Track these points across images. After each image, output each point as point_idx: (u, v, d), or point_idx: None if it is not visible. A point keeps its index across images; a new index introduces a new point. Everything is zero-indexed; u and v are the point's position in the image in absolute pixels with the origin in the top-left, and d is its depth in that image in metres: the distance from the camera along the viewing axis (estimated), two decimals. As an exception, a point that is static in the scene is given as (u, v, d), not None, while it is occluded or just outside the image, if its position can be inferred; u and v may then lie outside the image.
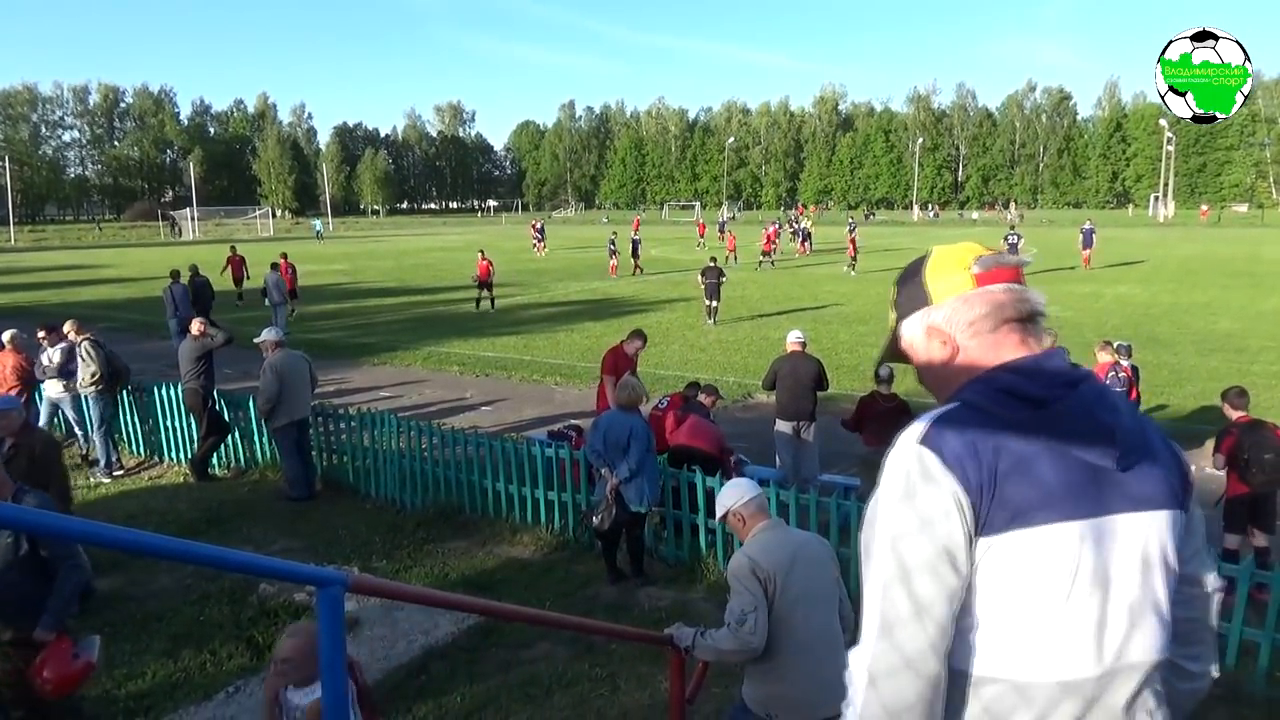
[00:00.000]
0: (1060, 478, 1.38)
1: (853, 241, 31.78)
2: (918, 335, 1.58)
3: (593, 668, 5.57)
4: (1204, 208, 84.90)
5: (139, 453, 10.62)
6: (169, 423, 10.26)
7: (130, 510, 8.67)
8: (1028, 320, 1.51)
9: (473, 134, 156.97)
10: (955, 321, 1.52)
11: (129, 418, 10.62)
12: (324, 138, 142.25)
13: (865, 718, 1.40)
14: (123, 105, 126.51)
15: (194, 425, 9.91)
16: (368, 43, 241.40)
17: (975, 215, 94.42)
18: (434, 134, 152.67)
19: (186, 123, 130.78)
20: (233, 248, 26.03)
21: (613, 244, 32.25)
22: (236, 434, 10.02)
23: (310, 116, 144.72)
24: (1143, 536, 1.44)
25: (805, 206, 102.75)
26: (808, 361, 8.92)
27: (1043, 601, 1.37)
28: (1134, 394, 9.38)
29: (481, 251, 23.69)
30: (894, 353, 1.67)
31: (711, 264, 20.53)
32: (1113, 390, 1.55)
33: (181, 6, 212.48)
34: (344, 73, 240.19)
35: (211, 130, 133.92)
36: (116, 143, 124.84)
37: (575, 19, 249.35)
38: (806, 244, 41.79)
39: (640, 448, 6.76)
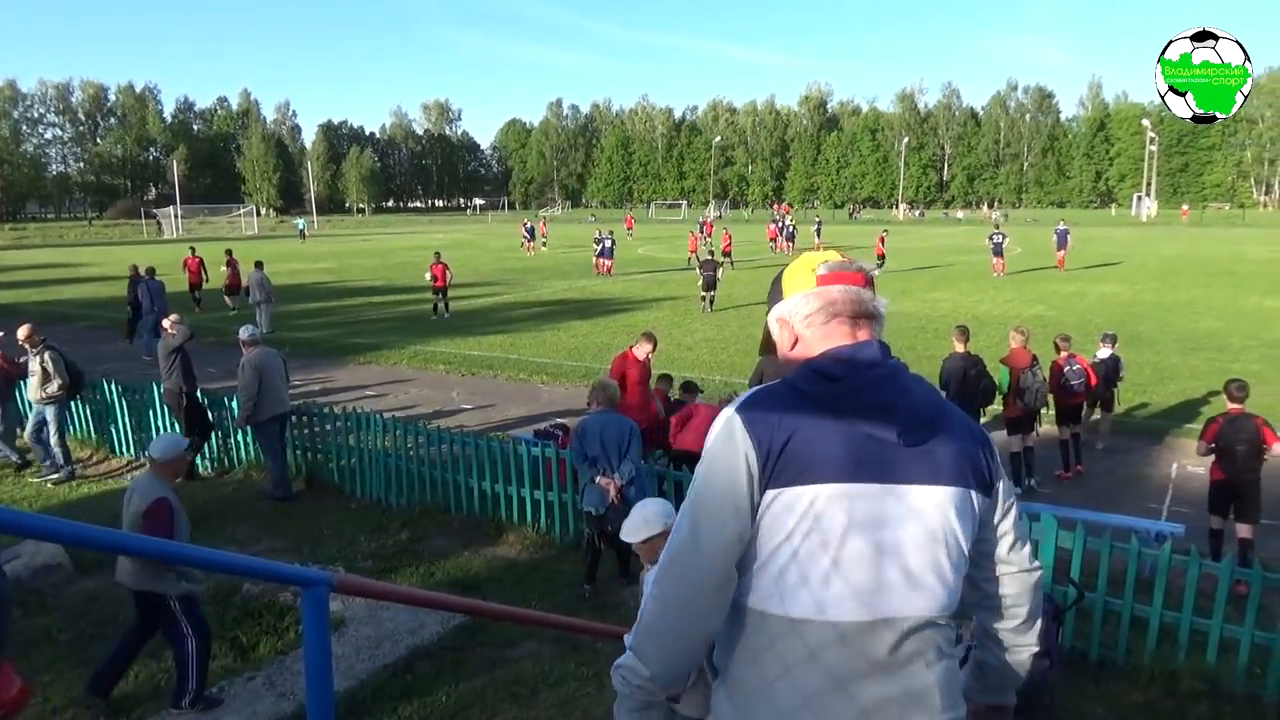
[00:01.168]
0: (841, 446, 1.60)
1: (882, 240, 31.83)
2: (774, 325, 1.84)
3: (579, 667, 5.57)
4: (1185, 207, 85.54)
5: (129, 453, 10.54)
6: (157, 422, 10.19)
7: (114, 510, 8.52)
8: (861, 317, 1.75)
9: (459, 132, 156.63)
10: (796, 313, 1.77)
11: (119, 417, 10.54)
12: (309, 135, 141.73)
13: (644, 617, 1.74)
14: (107, 103, 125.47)
15: (177, 425, 9.87)
16: (353, 40, 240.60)
17: (960, 215, 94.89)
18: (421, 132, 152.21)
19: (170, 120, 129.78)
20: (192, 249, 24.91)
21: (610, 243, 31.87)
22: (220, 433, 9.98)
23: (295, 114, 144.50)
24: (924, 507, 1.63)
25: (792, 206, 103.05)
26: (794, 361, 8.93)
27: (815, 550, 1.58)
28: (1093, 384, 9.48)
29: (437, 254, 22.53)
30: (767, 343, 1.90)
31: (709, 257, 23.02)
32: (909, 376, 1.73)
33: (166, 2, 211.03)
34: (329, 70, 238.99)
35: (195, 128, 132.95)
36: (99, 140, 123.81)
37: (563, 16, 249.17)
38: (790, 243, 42.02)
39: (639, 448, 6.70)
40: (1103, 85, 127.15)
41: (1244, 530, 6.98)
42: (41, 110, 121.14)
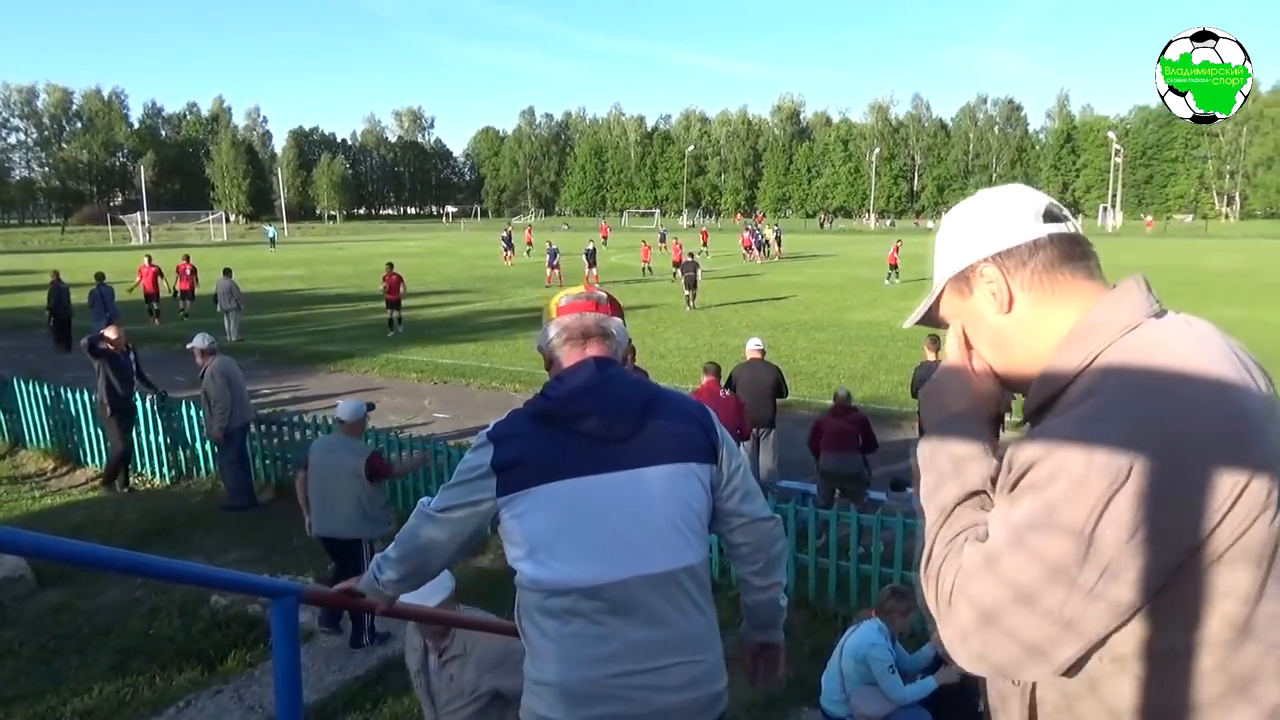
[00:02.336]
0: (561, 450, 2.02)
1: (896, 250, 31.34)
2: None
3: (552, 676, 5.54)
4: (1149, 218, 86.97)
5: (96, 464, 10.33)
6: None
7: (77, 521, 8.46)
8: (590, 337, 2.16)
9: (432, 139, 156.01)
10: (546, 338, 2.21)
11: (84, 427, 10.35)
12: (280, 142, 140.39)
13: (398, 544, 2.23)
14: (73, 107, 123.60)
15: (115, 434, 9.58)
16: (326, 46, 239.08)
17: (931, 224, 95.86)
18: (393, 139, 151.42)
19: (138, 125, 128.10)
20: (148, 257, 23.55)
21: (589, 253, 31.04)
22: (184, 440, 9.82)
23: (265, 120, 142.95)
24: (644, 484, 2.03)
25: (765, 215, 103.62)
26: (767, 369, 8.99)
27: (559, 532, 2.00)
28: None
29: (390, 264, 21.23)
30: None
31: (689, 258, 24.99)
32: (619, 383, 2.10)
33: (134, 7, 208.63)
34: (301, 76, 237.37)
35: (163, 133, 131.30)
36: (65, 145, 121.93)
37: (536, 24, 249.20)
38: (760, 252, 42.37)
39: None
40: (1069, 98, 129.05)
41: None
42: (5, 114, 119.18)
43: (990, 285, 1.31)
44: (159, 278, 22.58)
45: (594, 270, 30.61)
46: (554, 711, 2.04)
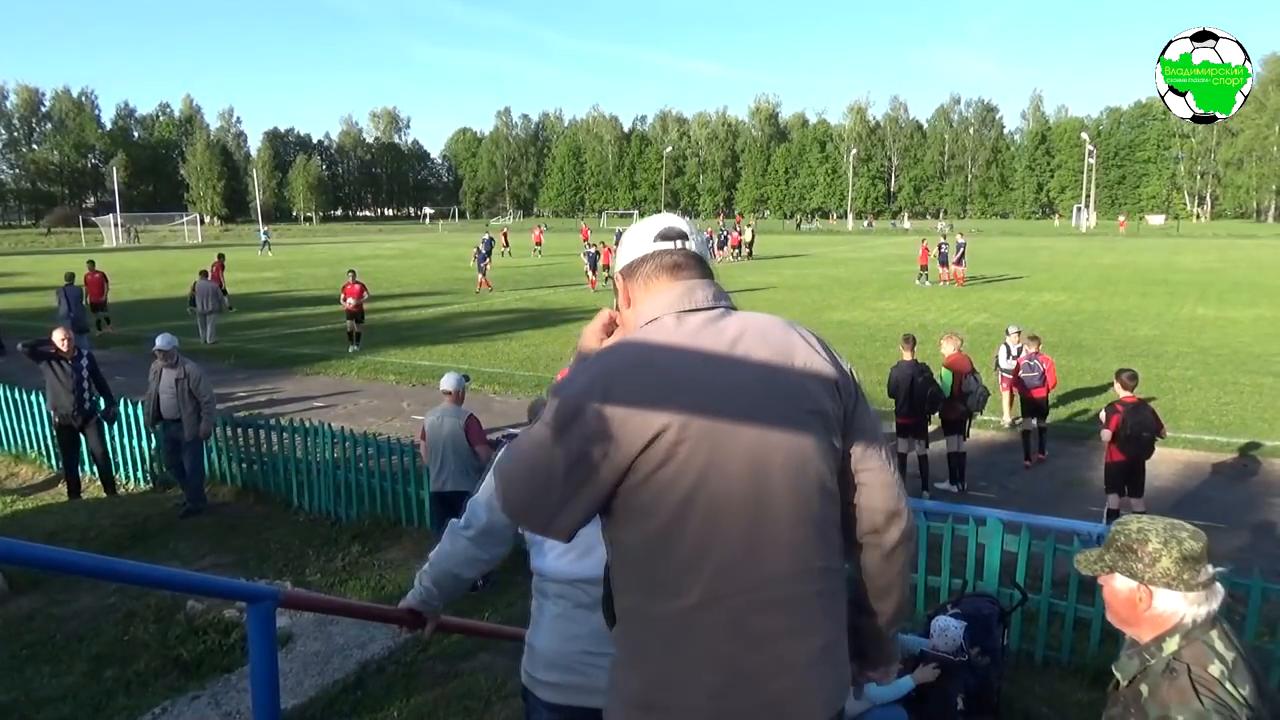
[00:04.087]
0: None
1: (925, 250, 29.90)
2: None
3: (532, 678, 5.53)
4: (1121, 219, 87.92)
5: (83, 470, 10.18)
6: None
7: (50, 527, 8.34)
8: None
9: (409, 141, 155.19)
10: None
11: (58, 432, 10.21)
12: (255, 143, 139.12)
13: (430, 569, 3.00)
14: (43, 108, 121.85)
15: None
16: (301, 47, 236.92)
17: (907, 225, 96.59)
18: (370, 140, 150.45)
19: (110, 126, 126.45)
20: (90, 263, 21.57)
21: (590, 255, 29.84)
22: (153, 445, 9.71)
23: (239, 121, 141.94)
24: None
25: (743, 215, 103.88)
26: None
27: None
28: (1051, 383, 10.42)
29: (352, 272, 19.28)
30: None
31: None
32: None
33: (104, 6, 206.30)
34: (275, 78, 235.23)
35: (136, 134, 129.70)
36: (35, 146, 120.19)
37: (512, 25, 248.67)
38: (722, 250, 42.75)
39: None
40: (1043, 100, 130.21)
41: (1139, 505, 7.72)
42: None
43: (620, 289, 1.85)
44: (105, 285, 21.05)
45: (594, 274, 29.67)
46: (533, 670, 2.56)
